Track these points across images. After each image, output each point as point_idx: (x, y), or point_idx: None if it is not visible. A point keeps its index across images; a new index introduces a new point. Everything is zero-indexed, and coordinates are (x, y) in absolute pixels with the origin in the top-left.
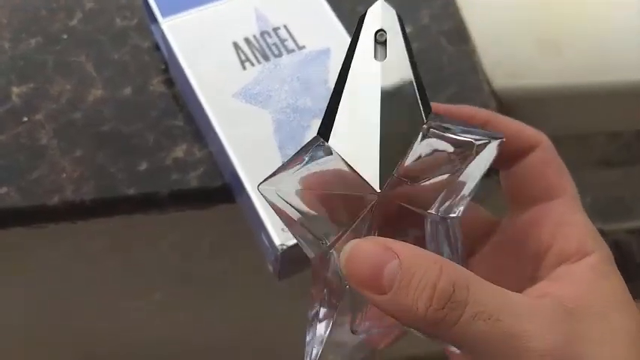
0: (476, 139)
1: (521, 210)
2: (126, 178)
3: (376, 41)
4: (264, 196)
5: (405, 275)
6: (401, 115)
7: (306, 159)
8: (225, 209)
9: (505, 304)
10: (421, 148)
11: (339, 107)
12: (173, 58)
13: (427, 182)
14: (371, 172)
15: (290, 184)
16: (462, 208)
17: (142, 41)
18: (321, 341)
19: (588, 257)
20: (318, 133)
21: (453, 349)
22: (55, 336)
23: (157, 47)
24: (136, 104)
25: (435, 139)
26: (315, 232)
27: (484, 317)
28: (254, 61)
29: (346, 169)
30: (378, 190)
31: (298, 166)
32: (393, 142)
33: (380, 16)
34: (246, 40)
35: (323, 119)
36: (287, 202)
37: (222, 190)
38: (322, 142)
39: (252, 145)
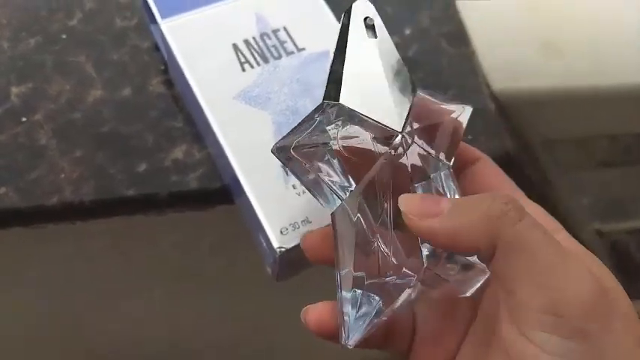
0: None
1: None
2: (125, 179)
3: (367, 25)
4: (277, 157)
5: (461, 199)
6: (396, 80)
7: (317, 119)
8: (224, 210)
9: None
10: (417, 101)
11: (342, 77)
12: (172, 59)
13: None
14: (390, 119)
15: (302, 144)
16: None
17: (141, 42)
18: (361, 284)
19: (522, 199)
20: (324, 99)
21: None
22: (54, 335)
23: (157, 48)
24: (136, 105)
25: (426, 97)
26: (331, 186)
27: (542, 230)
28: (253, 63)
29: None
30: (400, 130)
31: (310, 126)
32: (399, 98)
33: (364, 8)
34: (246, 42)
35: (328, 87)
36: (300, 160)
37: (222, 192)
38: (333, 103)
39: (251, 147)
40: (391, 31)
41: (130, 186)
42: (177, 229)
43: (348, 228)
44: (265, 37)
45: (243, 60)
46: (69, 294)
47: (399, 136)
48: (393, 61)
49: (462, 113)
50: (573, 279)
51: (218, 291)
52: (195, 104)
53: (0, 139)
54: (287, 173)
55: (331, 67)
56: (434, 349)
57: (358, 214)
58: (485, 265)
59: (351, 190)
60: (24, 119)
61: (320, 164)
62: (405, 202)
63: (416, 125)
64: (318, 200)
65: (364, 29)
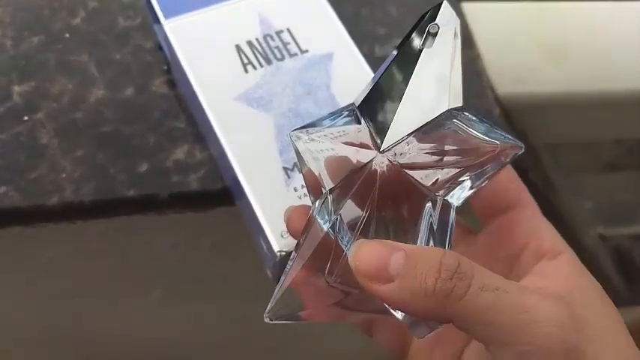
0: (498, 142)
1: (489, 220)
2: (126, 180)
3: (428, 32)
4: (291, 141)
5: (410, 260)
6: (427, 99)
7: (343, 114)
8: (224, 212)
9: (509, 281)
10: (438, 129)
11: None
12: (175, 59)
13: (437, 161)
14: (381, 133)
15: (319, 138)
16: (461, 200)
17: (144, 41)
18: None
19: (562, 255)
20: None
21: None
22: (53, 335)
23: (160, 48)
24: (138, 105)
25: (455, 127)
26: (326, 184)
27: (491, 289)
28: (256, 64)
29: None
30: (381, 149)
31: (330, 124)
32: (412, 118)
33: (440, 13)
34: (249, 43)
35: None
36: (310, 152)
37: (222, 193)
38: (355, 107)
39: (253, 149)
40: (395, 33)
41: (131, 186)
42: (177, 230)
43: (317, 231)
44: (268, 39)
45: (245, 61)
46: (68, 293)
47: (376, 154)
48: (434, 77)
49: (505, 150)
50: (535, 327)
51: (218, 292)
52: (197, 105)
53: (1, 138)
54: (288, 176)
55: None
56: (432, 353)
57: (326, 224)
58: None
59: (332, 196)
60: (26, 118)
61: None
62: (355, 255)
63: (439, 149)
64: (309, 196)
65: (425, 35)
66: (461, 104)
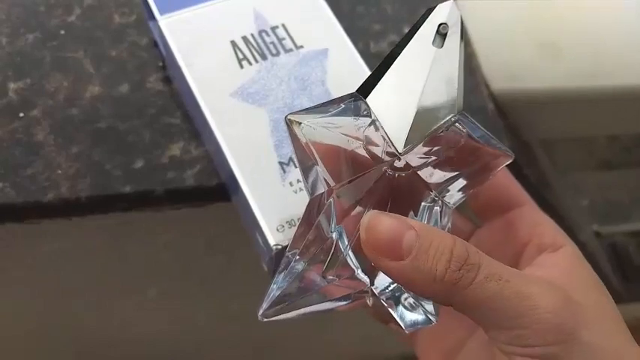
0: (491, 150)
1: (491, 218)
2: (121, 176)
3: (438, 32)
4: (287, 126)
5: (423, 242)
6: (438, 101)
7: (341, 107)
8: (221, 208)
9: (512, 270)
10: (444, 134)
11: (384, 75)
12: (170, 55)
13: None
14: (397, 136)
15: (316, 124)
16: (457, 200)
17: (140, 38)
18: (295, 276)
19: (563, 248)
20: (357, 91)
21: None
22: (50, 333)
23: (155, 44)
24: (133, 101)
25: (456, 130)
26: (323, 174)
27: (495, 278)
28: (251, 59)
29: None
30: (400, 151)
31: (331, 111)
32: (424, 121)
33: (447, 13)
34: (244, 39)
35: (365, 81)
36: (307, 140)
37: (218, 189)
38: (359, 97)
39: (248, 144)
40: (390, 29)
41: (127, 182)
42: (173, 226)
43: (312, 218)
44: (264, 34)
45: (241, 57)
46: (64, 290)
47: (394, 157)
48: (444, 78)
49: (497, 159)
50: (532, 313)
51: (214, 288)
52: (193, 101)
53: None
54: (284, 170)
55: (383, 60)
56: (437, 343)
57: (321, 217)
58: (434, 314)
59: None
60: (21, 115)
61: None
62: (368, 226)
63: (437, 152)
64: (305, 186)
65: (433, 34)
66: (461, 106)
